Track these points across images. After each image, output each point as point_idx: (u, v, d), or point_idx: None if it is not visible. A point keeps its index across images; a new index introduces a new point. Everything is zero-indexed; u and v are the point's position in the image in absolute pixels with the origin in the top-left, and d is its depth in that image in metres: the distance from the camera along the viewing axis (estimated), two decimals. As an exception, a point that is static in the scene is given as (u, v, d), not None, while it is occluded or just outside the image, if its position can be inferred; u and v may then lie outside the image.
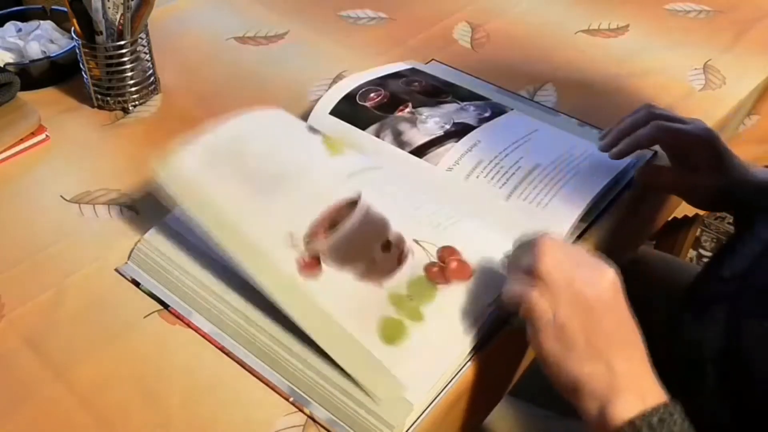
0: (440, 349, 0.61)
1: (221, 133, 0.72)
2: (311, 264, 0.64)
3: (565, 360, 0.57)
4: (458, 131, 0.79)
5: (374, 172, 0.72)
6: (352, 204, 0.67)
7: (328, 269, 0.63)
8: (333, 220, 0.66)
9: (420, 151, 0.77)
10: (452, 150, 0.77)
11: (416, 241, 0.66)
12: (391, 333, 0.60)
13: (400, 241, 0.66)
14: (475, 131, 0.79)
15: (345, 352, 0.59)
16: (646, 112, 0.77)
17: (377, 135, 0.79)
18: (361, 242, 0.65)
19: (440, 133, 0.79)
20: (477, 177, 0.75)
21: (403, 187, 0.72)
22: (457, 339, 0.62)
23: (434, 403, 0.60)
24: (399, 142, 0.78)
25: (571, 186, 0.75)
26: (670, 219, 1.07)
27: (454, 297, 0.63)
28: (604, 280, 0.57)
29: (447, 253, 0.65)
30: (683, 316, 0.67)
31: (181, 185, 0.67)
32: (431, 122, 0.80)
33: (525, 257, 0.59)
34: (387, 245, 0.65)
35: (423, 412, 0.59)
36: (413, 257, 0.65)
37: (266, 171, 0.69)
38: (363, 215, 0.67)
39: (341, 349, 0.59)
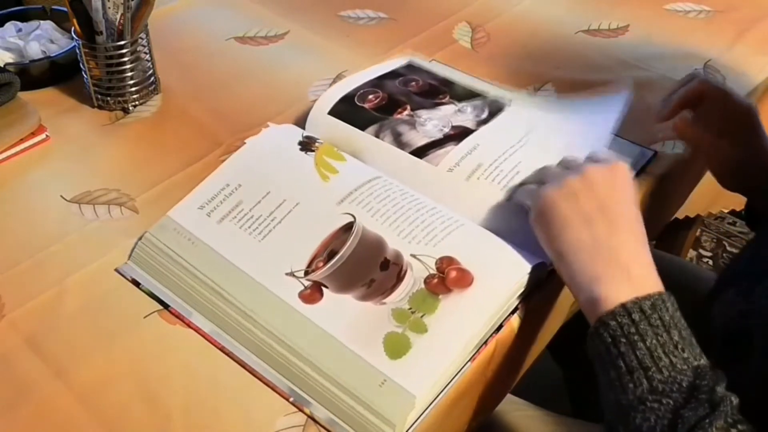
0: (443, 351, 0.61)
1: (214, 181, 0.75)
2: (312, 293, 0.65)
3: (562, 228, 0.62)
4: (457, 135, 0.79)
5: (368, 186, 0.73)
6: (348, 228, 0.68)
7: (329, 295, 0.64)
8: (331, 249, 0.67)
9: (420, 153, 0.77)
10: (452, 152, 0.77)
11: (414, 256, 0.66)
12: (396, 348, 0.61)
13: (398, 257, 0.66)
14: (473, 135, 0.79)
15: (349, 373, 0.60)
16: (690, 75, 0.80)
17: (376, 135, 0.79)
18: (360, 265, 0.66)
19: (439, 135, 0.79)
20: (478, 178, 0.75)
21: (399, 194, 0.72)
22: (460, 343, 0.62)
23: (436, 401, 0.60)
24: (399, 143, 0.78)
25: None
26: (670, 220, 1.07)
27: (456, 306, 0.63)
28: (617, 173, 0.64)
29: (446, 263, 0.66)
30: (723, 294, 0.68)
31: (182, 241, 0.70)
32: (430, 125, 0.80)
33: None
34: (385, 263, 0.66)
35: (425, 411, 0.59)
36: (412, 271, 0.65)
37: (261, 212, 0.71)
38: (359, 239, 0.68)
39: (345, 370, 0.60)
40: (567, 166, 0.68)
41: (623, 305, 0.56)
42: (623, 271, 0.59)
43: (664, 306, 0.56)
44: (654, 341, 0.54)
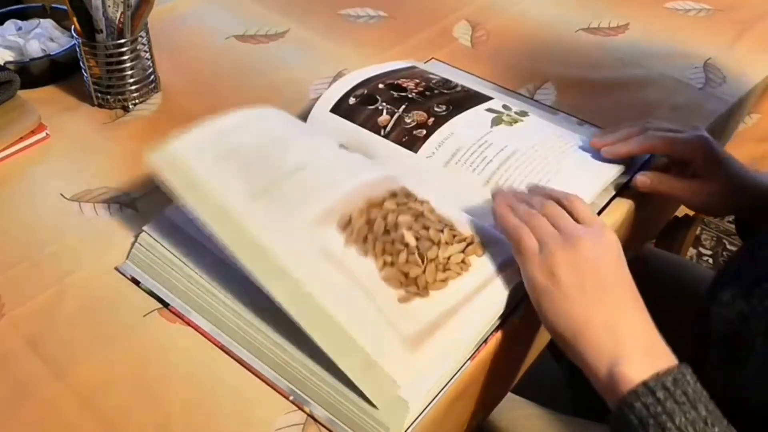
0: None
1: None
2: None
3: (560, 304, 0.59)
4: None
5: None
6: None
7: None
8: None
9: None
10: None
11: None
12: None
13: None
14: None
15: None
16: (642, 124, 0.78)
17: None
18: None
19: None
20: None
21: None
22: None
23: (433, 402, 0.60)
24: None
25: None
26: (670, 218, 1.07)
27: None
28: (605, 240, 0.61)
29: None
30: (719, 296, 0.68)
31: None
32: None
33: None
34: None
35: (422, 412, 0.59)
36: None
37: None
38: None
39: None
40: (554, 222, 0.64)
41: (645, 384, 0.54)
42: (642, 348, 0.57)
43: (685, 380, 0.54)
44: (683, 419, 0.53)
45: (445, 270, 0.63)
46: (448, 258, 0.64)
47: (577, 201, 0.66)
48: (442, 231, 0.66)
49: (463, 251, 0.65)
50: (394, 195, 0.67)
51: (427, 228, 0.65)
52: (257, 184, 0.65)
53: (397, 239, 0.64)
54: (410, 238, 0.64)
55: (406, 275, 0.62)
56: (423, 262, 0.63)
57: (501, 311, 0.64)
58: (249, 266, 0.61)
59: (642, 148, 0.77)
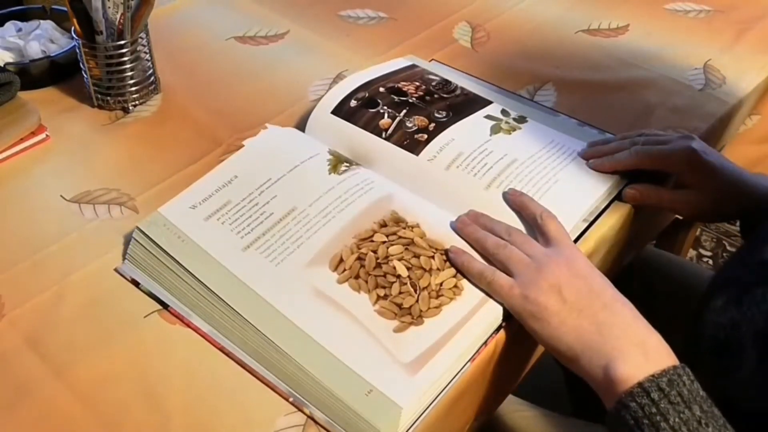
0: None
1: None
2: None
3: (552, 324, 0.61)
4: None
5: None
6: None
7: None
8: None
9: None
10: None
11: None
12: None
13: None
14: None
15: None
16: (633, 136, 0.79)
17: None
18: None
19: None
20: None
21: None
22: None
23: (433, 403, 0.60)
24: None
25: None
26: (671, 220, 1.07)
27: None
28: (572, 257, 0.64)
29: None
30: (712, 302, 0.67)
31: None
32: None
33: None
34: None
35: (422, 413, 0.59)
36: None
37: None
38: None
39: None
40: (522, 249, 0.66)
41: (640, 384, 0.55)
42: (638, 346, 0.58)
43: (680, 380, 0.55)
44: (677, 419, 0.53)
45: (438, 296, 0.64)
46: (441, 284, 0.65)
47: (550, 220, 0.68)
48: (433, 257, 0.67)
49: (455, 276, 0.66)
50: (383, 225, 0.69)
51: (418, 256, 0.66)
52: (247, 235, 0.68)
53: (388, 271, 0.65)
54: (402, 269, 0.65)
55: (399, 306, 0.64)
56: (416, 291, 0.64)
57: (497, 325, 0.65)
58: (243, 312, 0.63)
59: (626, 164, 0.77)
